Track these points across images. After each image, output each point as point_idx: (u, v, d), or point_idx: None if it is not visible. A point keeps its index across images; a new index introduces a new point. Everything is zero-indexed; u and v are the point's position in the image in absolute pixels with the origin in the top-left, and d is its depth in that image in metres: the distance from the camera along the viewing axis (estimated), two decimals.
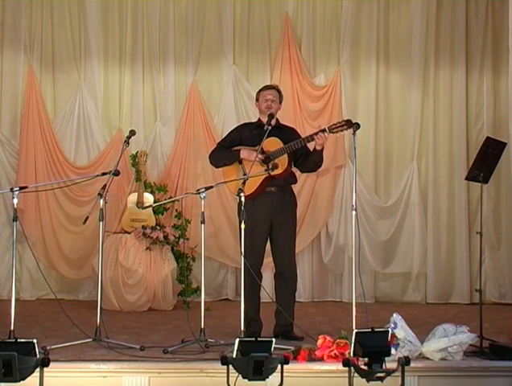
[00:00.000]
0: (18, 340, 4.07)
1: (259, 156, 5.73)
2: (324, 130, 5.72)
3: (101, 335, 5.42)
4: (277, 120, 5.98)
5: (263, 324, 5.89)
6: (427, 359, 5.00)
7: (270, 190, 5.83)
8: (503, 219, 8.21)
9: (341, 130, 5.75)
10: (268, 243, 5.93)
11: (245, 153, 5.84)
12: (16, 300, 5.29)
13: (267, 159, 5.78)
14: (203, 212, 5.51)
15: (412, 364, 4.46)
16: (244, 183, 5.39)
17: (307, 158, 5.94)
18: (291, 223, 5.93)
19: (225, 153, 5.97)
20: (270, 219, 5.83)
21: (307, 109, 8.19)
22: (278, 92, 6.06)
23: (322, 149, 5.84)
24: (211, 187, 5.62)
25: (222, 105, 8.23)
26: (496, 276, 8.16)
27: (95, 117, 8.21)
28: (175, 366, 4.90)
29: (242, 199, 5.31)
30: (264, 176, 5.75)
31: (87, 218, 5.71)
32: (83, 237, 7.93)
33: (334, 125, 5.77)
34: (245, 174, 5.67)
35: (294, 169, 6.05)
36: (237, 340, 4.21)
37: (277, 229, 5.86)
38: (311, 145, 5.91)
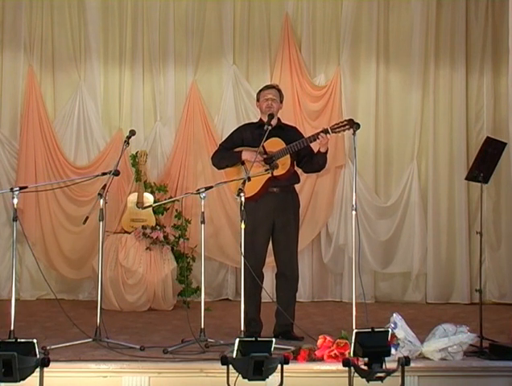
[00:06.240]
0: (18, 340, 4.06)
1: (259, 157, 5.72)
2: (326, 130, 5.72)
3: (101, 335, 5.42)
4: (278, 119, 5.99)
5: (263, 324, 5.90)
6: (427, 359, 5.00)
7: (273, 190, 5.82)
8: (503, 219, 8.21)
9: (343, 130, 5.74)
10: (270, 243, 5.92)
11: (246, 154, 5.83)
12: (16, 300, 5.29)
13: (270, 160, 5.77)
14: (203, 212, 5.51)
15: (412, 364, 4.45)
16: (244, 184, 5.38)
17: (311, 159, 5.93)
18: (294, 224, 5.92)
19: (226, 154, 5.96)
20: (272, 219, 5.83)
21: (307, 109, 8.19)
22: (279, 91, 6.05)
23: (326, 152, 5.84)
24: (211, 187, 5.62)
25: (222, 105, 8.23)
26: (496, 276, 8.16)
27: (95, 117, 8.21)
28: (175, 366, 4.90)
29: (242, 199, 5.31)
30: (267, 177, 5.74)
31: (87, 218, 5.71)
32: (83, 237, 7.93)
33: (336, 124, 5.75)
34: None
35: (296, 168, 6.04)
36: (237, 340, 4.21)
37: (279, 229, 5.85)
38: (314, 146, 5.91)
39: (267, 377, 4.22)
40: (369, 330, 4.35)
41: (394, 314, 5.09)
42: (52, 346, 5.11)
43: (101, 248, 5.62)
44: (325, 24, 8.29)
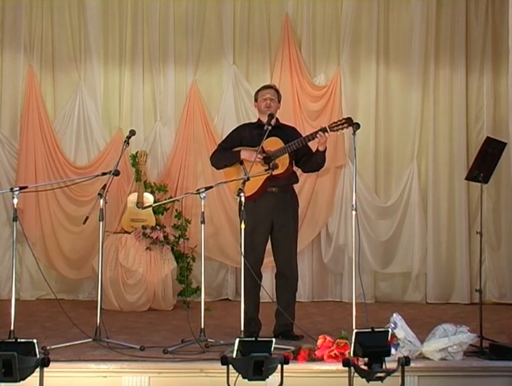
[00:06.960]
0: (18, 340, 4.07)
1: (259, 156, 5.73)
2: (324, 129, 5.72)
3: (101, 335, 5.42)
4: (277, 119, 5.98)
5: (263, 324, 5.90)
6: (427, 359, 4.99)
7: (271, 190, 5.82)
8: (503, 219, 8.21)
9: (342, 128, 5.73)
10: (269, 243, 5.92)
11: (245, 153, 5.84)
12: (16, 300, 5.29)
13: (268, 159, 5.78)
14: (203, 212, 5.51)
15: (412, 364, 4.45)
16: (244, 183, 5.39)
17: (309, 159, 5.94)
18: (293, 223, 5.92)
19: (225, 154, 5.96)
20: (271, 219, 5.83)
21: (307, 109, 8.19)
22: (277, 91, 6.07)
23: (325, 150, 5.84)
24: (211, 187, 5.62)
25: (222, 105, 8.23)
26: (496, 276, 8.16)
27: (95, 117, 8.21)
28: (175, 366, 4.90)
29: (242, 199, 5.31)
30: (266, 176, 5.74)
31: (87, 218, 5.71)
32: (83, 237, 7.93)
33: (334, 123, 5.75)
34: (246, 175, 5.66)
35: (295, 168, 6.05)
36: (237, 340, 4.21)
37: (278, 229, 5.85)
38: (312, 145, 5.91)
39: (267, 377, 4.22)
40: (369, 330, 4.35)
41: (394, 314, 5.09)
42: (52, 346, 5.11)
43: (101, 248, 5.62)
44: (325, 24, 8.29)
